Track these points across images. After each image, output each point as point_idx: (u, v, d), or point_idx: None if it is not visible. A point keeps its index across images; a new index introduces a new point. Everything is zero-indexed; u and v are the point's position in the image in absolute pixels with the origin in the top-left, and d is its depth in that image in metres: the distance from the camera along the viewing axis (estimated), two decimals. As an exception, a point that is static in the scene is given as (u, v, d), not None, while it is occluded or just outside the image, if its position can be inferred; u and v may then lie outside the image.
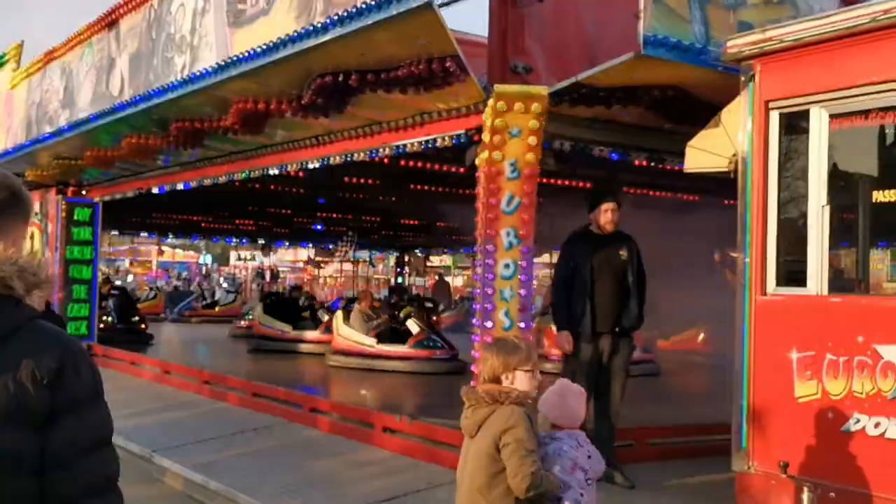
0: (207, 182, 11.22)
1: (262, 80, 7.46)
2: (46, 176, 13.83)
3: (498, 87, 6.38)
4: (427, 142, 7.67)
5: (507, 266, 6.73)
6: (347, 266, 49.26)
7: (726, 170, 6.37)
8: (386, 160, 11.24)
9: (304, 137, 9.06)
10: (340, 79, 6.93)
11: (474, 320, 6.91)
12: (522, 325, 6.73)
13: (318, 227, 25.61)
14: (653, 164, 8.01)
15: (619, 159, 7.82)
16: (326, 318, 15.78)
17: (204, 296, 27.65)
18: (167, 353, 16.27)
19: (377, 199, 16.65)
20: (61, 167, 12.92)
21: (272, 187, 15.32)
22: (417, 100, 7.21)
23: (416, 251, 31.66)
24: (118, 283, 26.34)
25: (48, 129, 11.52)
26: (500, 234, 6.70)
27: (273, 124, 8.64)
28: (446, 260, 55.52)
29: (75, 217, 14.53)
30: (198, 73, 7.80)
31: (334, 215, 21.89)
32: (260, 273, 45.99)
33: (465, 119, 7.20)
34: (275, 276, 46.78)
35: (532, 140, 6.54)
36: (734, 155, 6.24)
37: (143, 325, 17.37)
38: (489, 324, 6.71)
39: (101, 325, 15.40)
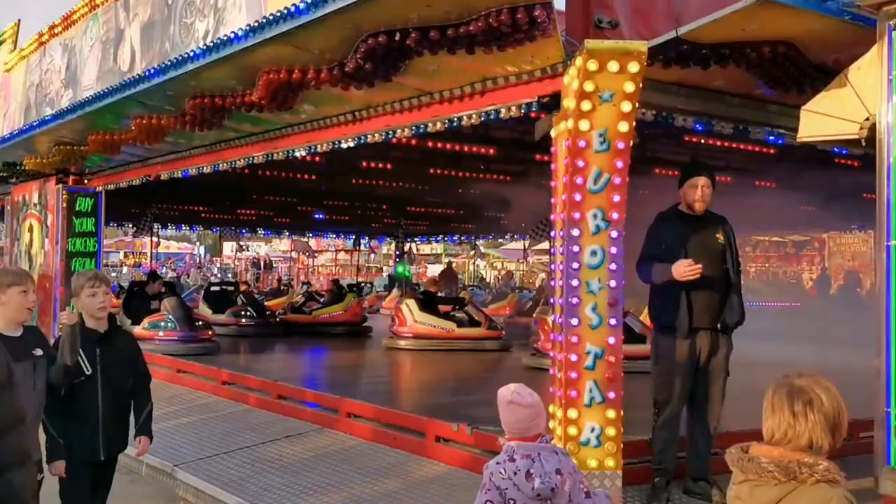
0: (224, 166, 10.08)
1: (302, 43, 6.33)
2: (46, 164, 12.63)
3: (589, 43, 5.26)
4: (487, 113, 6.57)
5: (593, 253, 5.62)
6: (342, 255, 48.47)
7: (856, 136, 5.30)
8: (414, 140, 10.27)
9: (337, 113, 7.93)
10: (397, 38, 5.79)
11: (554, 317, 5.81)
12: (613, 321, 5.64)
13: (320, 215, 24.52)
14: (736, 135, 6.95)
15: (703, 130, 6.75)
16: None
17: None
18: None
19: (391, 184, 15.51)
20: (62, 153, 11.72)
21: (283, 174, 14.26)
22: (482, 63, 6.10)
23: (416, 239, 30.53)
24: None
25: (49, 112, 10.33)
26: (585, 216, 5.59)
27: (304, 98, 7.51)
28: (437, 248, 54.57)
29: (77, 207, 13.33)
30: (224, 39, 6.66)
31: (339, 203, 20.76)
32: (255, 263, 44.84)
33: (537, 84, 6.10)
34: (269, 266, 45.65)
35: (626, 106, 5.43)
36: (867, 119, 5.18)
37: (209, 332, 13.66)
38: (574, 321, 5.61)
39: (154, 334, 12.86)
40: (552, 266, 5.98)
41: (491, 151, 11.38)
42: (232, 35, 6.59)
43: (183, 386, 10.80)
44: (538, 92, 6.06)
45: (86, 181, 13.47)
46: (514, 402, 3.58)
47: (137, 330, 12.23)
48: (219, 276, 42.12)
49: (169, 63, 7.57)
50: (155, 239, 27.89)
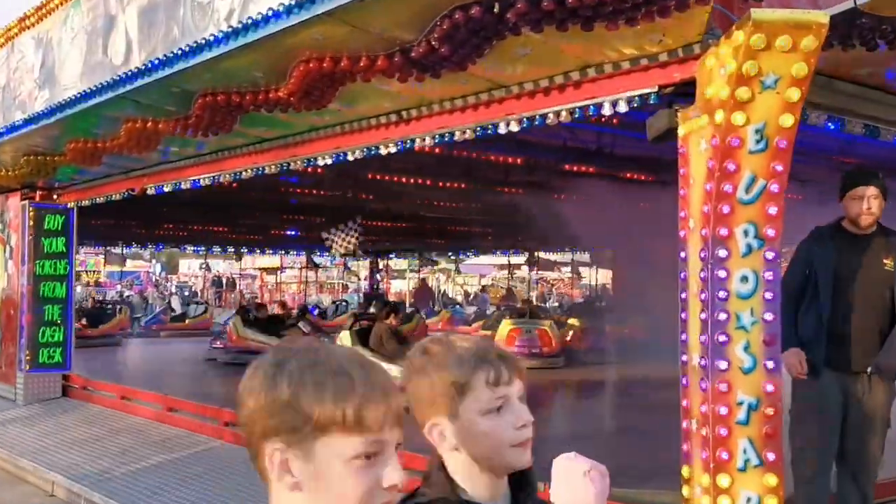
0: (226, 178, 8.67)
1: (361, 20, 5.00)
2: (11, 177, 11.06)
3: (757, 13, 4.02)
4: (583, 108, 5.30)
5: (744, 279, 4.38)
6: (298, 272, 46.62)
7: None
8: (438, 149, 9.01)
9: (377, 113, 6.62)
10: (496, 9, 4.51)
11: (700, 360, 4.55)
12: (770, 363, 4.41)
13: (293, 232, 23.09)
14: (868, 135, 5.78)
15: (836, 129, 5.56)
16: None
17: (172, 308, 24.80)
18: (154, 378, 13.65)
19: (391, 198, 14.17)
20: (31, 165, 10.18)
21: (281, 189, 12.89)
22: (589, 45, 4.85)
23: (391, 256, 29.12)
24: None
25: (20, 117, 8.83)
26: (734, 233, 4.36)
27: (345, 95, 6.19)
28: (401, 263, 53.08)
29: (46, 226, 11.76)
30: (257, 18, 5.32)
31: (317, 220, 19.28)
32: (216, 281, 43.02)
33: (658, 70, 4.85)
34: (231, 283, 43.81)
35: (793, 94, 4.19)
36: None
37: None
38: (722, 364, 4.36)
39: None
40: (682, 295, 4.72)
41: (518, 161, 10.14)
42: (268, 13, 5.24)
43: (175, 427, 9.34)
44: (660, 80, 4.82)
45: (55, 196, 11.93)
46: (599, 471, 2.33)
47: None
48: (177, 293, 40.21)
49: (178, 52, 6.17)
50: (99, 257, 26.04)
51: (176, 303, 31.03)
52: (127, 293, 39.71)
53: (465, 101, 5.96)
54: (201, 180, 9.00)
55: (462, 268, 51.17)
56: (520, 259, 35.71)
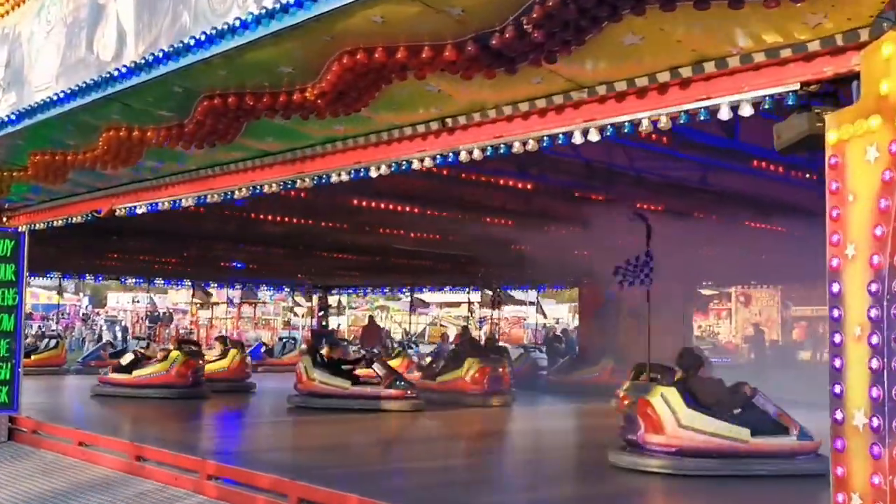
0: (214, 198, 7.58)
1: (441, -4, 4.08)
2: (-45, 196, 9.78)
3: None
4: (689, 113, 4.44)
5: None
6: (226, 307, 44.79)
7: None
8: (445, 170, 8.09)
9: (423, 120, 5.65)
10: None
11: (870, 420, 3.64)
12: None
13: (238, 264, 21.79)
14: None
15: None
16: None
17: (112, 344, 23.21)
18: (106, 420, 12.35)
19: (364, 228, 13.10)
20: (-18, 182, 8.96)
21: (252, 215, 11.76)
22: (709, 33, 3.99)
23: (336, 291, 27.88)
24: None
25: (-23, 124, 7.61)
26: (918, 259, 3.53)
27: (390, 97, 5.23)
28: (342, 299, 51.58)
29: (-7, 252, 10.46)
30: (301, -4, 4.35)
31: (279, 250, 18.02)
32: (152, 316, 41.06)
33: (801, 64, 4.01)
34: (168, 317, 41.91)
35: None
36: None
37: None
38: (903, 423, 3.50)
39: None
40: (836, 338, 3.83)
41: (528, 186, 9.24)
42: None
43: (148, 479, 8.10)
44: (804, 75, 3.97)
45: (5, 219, 10.63)
46: None
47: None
48: (106, 329, 38.22)
49: (190, 42, 5.13)
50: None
51: (108, 337, 29.29)
52: (54, 327, 37.58)
53: (531, 104, 5.04)
54: (183, 200, 7.86)
55: (400, 305, 50.06)
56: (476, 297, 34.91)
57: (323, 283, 25.18)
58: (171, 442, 9.04)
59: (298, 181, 6.74)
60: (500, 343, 22.68)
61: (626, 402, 9.95)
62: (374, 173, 6.14)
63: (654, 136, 6.44)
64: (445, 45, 4.47)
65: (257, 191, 7.12)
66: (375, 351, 23.61)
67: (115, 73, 5.83)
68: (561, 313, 43.87)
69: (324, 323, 26.00)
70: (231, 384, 16.47)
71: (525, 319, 42.98)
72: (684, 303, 19.29)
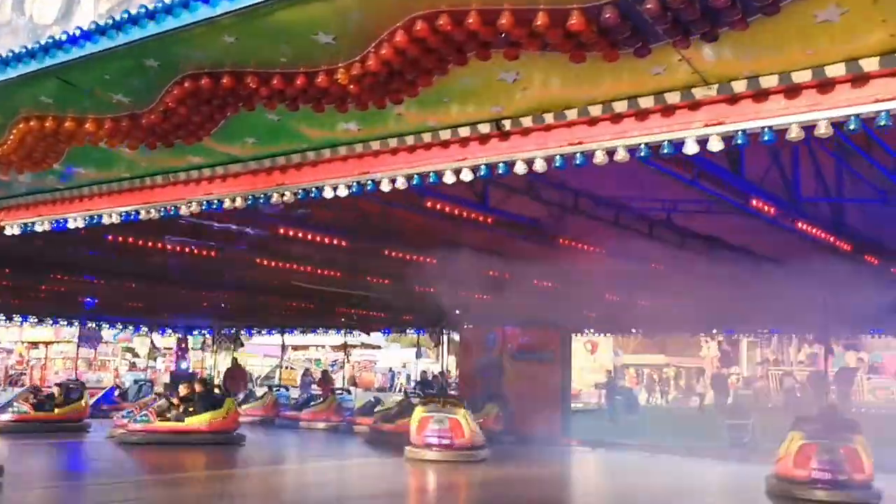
0: (152, 213, 6.02)
1: None
2: None
3: None
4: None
5: None
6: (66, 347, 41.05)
7: None
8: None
9: (482, 119, 4.45)
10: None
11: None
12: None
13: (90, 301, 19.50)
14: None
15: None
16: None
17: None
18: None
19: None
20: None
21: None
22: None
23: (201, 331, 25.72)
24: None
25: None
26: None
27: (446, 86, 4.04)
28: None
29: None
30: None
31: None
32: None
33: None
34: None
35: None
36: None
37: None
38: None
39: None
40: None
41: (489, 220, 8.10)
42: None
43: None
44: None
45: None
46: None
47: None
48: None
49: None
50: None
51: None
52: None
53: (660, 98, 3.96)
54: (106, 216, 6.26)
55: (249, 347, 47.52)
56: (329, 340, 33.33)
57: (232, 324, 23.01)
58: None
59: (275, 195, 5.36)
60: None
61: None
62: (386, 187, 4.89)
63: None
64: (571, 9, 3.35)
65: (212, 206, 5.68)
66: (240, 396, 21.85)
67: (61, 39, 4.32)
68: (409, 357, 42.87)
69: (183, 364, 23.77)
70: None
71: (375, 363, 41.67)
72: (562, 347, 18.61)
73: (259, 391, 22.06)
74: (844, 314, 11.43)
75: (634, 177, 6.50)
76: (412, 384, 30.05)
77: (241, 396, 21.87)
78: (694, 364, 38.16)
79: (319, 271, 11.63)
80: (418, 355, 25.63)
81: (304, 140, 4.97)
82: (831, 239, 8.23)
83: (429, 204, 7.43)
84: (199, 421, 13.66)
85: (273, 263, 11.18)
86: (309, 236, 9.03)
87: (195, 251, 10.61)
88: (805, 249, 8.52)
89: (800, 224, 7.60)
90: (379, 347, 42.66)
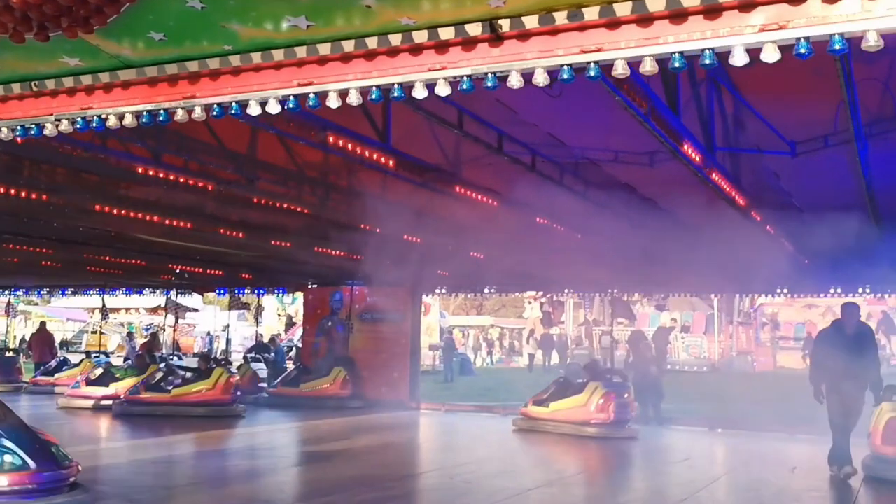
0: (54, 128, 4.70)
1: None
2: None
3: None
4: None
5: None
6: None
7: None
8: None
9: (475, 17, 3.57)
10: None
11: None
12: None
13: None
14: None
15: None
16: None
17: None
18: None
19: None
20: None
21: None
22: None
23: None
24: None
25: None
26: None
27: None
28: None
29: None
30: None
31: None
32: None
33: None
34: None
35: None
36: None
37: None
38: None
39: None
40: None
41: (391, 163, 7.19)
42: None
43: None
44: None
45: None
46: None
47: None
48: None
49: None
50: None
51: None
52: None
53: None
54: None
55: (48, 310, 43.85)
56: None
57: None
58: None
59: (180, 110, 4.28)
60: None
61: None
62: (333, 102, 3.94)
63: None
64: None
65: (92, 124, 4.50)
66: (52, 364, 19.85)
67: None
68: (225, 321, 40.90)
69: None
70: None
71: (195, 327, 39.55)
72: (413, 308, 17.94)
73: (74, 358, 19.96)
74: (737, 272, 11.32)
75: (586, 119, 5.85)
76: (239, 349, 28.69)
77: (53, 364, 19.86)
78: (517, 325, 38.71)
79: (168, 221, 10.29)
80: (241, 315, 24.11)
81: (230, 39, 3.91)
82: (733, 194, 7.96)
83: (331, 139, 6.44)
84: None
85: (116, 211, 9.73)
86: (171, 176, 7.78)
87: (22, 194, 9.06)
88: (706, 205, 8.23)
89: (714, 175, 7.23)
90: (196, 310, 40.48)
